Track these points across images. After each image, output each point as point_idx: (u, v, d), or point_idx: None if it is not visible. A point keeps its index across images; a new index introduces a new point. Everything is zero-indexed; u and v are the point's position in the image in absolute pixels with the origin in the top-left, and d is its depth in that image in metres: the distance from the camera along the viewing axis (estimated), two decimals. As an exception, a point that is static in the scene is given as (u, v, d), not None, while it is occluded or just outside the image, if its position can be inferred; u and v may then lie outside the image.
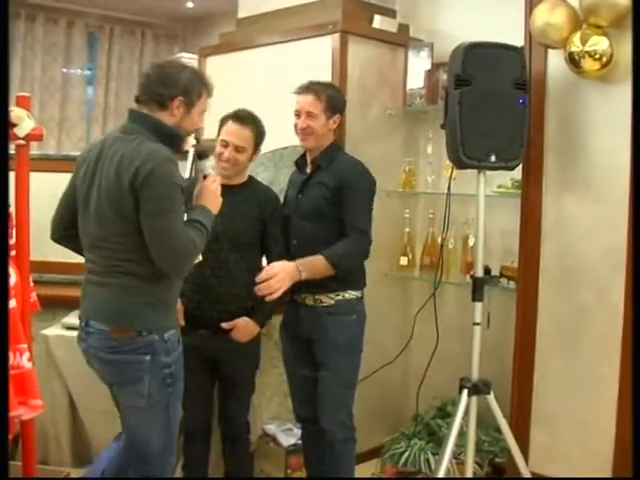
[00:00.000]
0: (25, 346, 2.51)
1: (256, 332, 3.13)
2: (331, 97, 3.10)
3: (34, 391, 2.51)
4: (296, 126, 3.11)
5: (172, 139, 2.50)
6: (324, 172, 3.09)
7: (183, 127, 2.55)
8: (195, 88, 2.54)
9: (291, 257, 3.05)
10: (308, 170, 3.18)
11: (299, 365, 3.21)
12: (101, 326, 2.48)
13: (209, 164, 2.76)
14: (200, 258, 2.68)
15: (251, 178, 3.24)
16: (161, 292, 2.49)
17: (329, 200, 3.05)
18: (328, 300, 3.07)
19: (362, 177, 3.09)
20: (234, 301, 3.08)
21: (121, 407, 2.61)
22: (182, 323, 3.04)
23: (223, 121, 3.15)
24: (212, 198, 2.60)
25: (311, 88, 3.11)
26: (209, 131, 4.48)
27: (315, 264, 2.94)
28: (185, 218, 2.50)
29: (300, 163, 3.25)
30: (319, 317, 3.07)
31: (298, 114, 3.10)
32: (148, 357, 2.44)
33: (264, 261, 3.23)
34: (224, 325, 3.07)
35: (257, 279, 2.84)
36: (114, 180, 2.41)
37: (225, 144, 3.09)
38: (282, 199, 3.31)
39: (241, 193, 3.14)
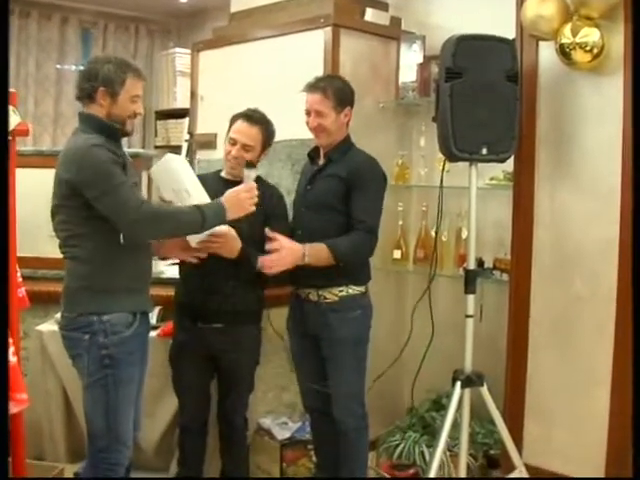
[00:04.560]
0: (10, 340, 2.56)
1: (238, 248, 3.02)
2: (338, 91, 3.07)
3: (19, 385, 2.57)
4: (308, 124, 3.11)
5: (106, 130, 2.64)
6: (336, 165, 3.08)
7: (114, 115, 2.65)
8: (116, 77, 2.63)
9: None
10: (320, 162, 3.18)
11: (306, 358, 3.21)
12: (62, 306, 2.70)
13: (252, 174, 2.86)
14: (203, 255, 2.84)
15: (258, 176, 3.21)
16: (102, 276, 2.61)
17: (339, 193, 3.03)
18: (332, 297, 3.05)
19: (374, 172, 3.10)
20: (235, 293, 3.07)
21: None
22: None
23: (233, 119, 3.13)
24: (234, 201, 2.72)
25: (318, 86, 3.08)
26: (206, 125, 4.51)
27: (320, 253, 2.95)
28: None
29: (313, 155, 3.24)
30: (323, 314, 3.06)
31: (308, 113, 3.09)
32: (87, 336, 2.59)
33: None
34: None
35: (267, 247, 2.90)
36: (56, 175, 2.62)
37: (233, 142, 3.09)
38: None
39: None
